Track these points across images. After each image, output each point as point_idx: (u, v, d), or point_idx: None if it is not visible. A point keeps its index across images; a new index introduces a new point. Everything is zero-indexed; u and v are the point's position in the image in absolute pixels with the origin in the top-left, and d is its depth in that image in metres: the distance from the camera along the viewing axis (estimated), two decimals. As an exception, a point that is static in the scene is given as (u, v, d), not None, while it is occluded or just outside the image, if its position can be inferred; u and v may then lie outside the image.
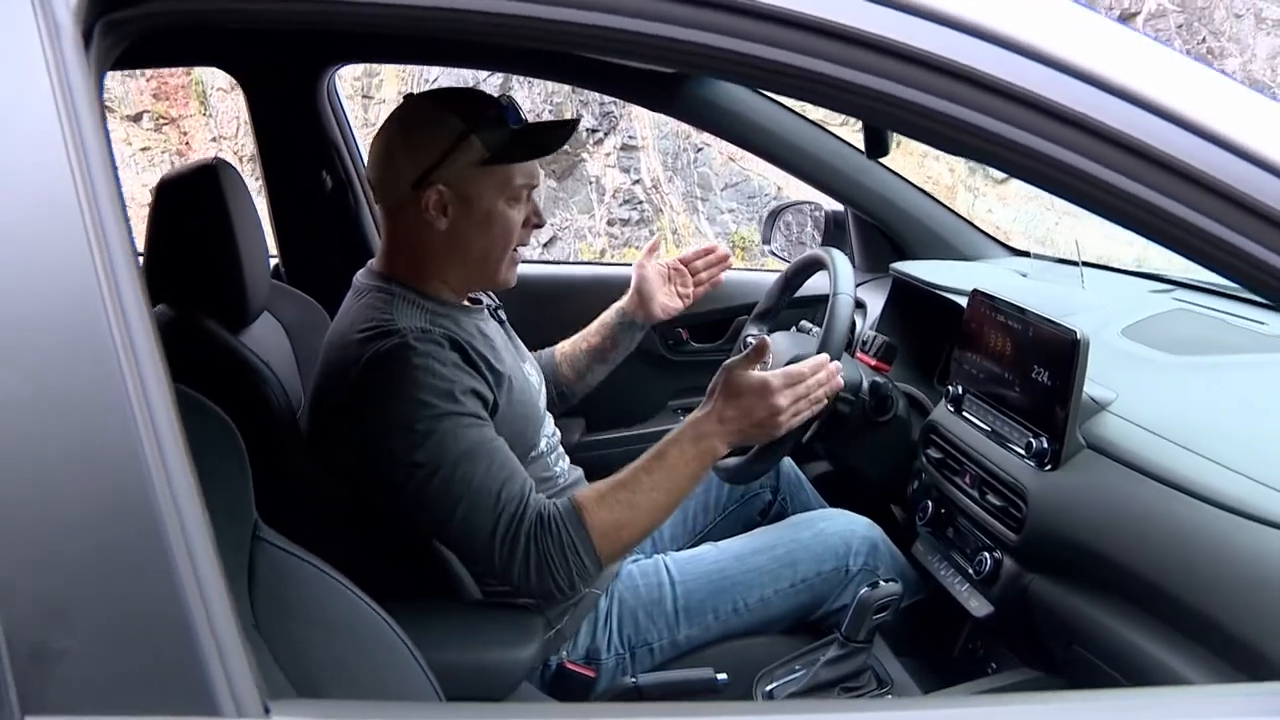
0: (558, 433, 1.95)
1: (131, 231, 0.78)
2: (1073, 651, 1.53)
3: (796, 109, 2.43)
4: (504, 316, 1.96)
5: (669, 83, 2.33)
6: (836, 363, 1.70)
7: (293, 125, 2.49)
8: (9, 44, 0.75)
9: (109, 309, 0.72)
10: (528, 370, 1.88)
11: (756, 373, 1.65)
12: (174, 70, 7.41)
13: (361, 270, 1.80)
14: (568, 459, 1.95)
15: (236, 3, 0.85)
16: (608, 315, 2.17)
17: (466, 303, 1.81)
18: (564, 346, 2.20)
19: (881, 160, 2.45)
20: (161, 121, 7.65)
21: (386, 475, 1.59)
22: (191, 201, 1.73)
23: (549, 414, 1.94)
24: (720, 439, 1.63)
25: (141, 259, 1.76)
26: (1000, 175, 7.67)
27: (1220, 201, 0.86)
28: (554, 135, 1.73)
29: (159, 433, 0.72)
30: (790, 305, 2.26)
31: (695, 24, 0.85)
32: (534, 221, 1.75)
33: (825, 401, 1.69)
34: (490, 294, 1.97)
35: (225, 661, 0.72)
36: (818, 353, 1.83)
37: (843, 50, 0.86)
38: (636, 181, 8.76)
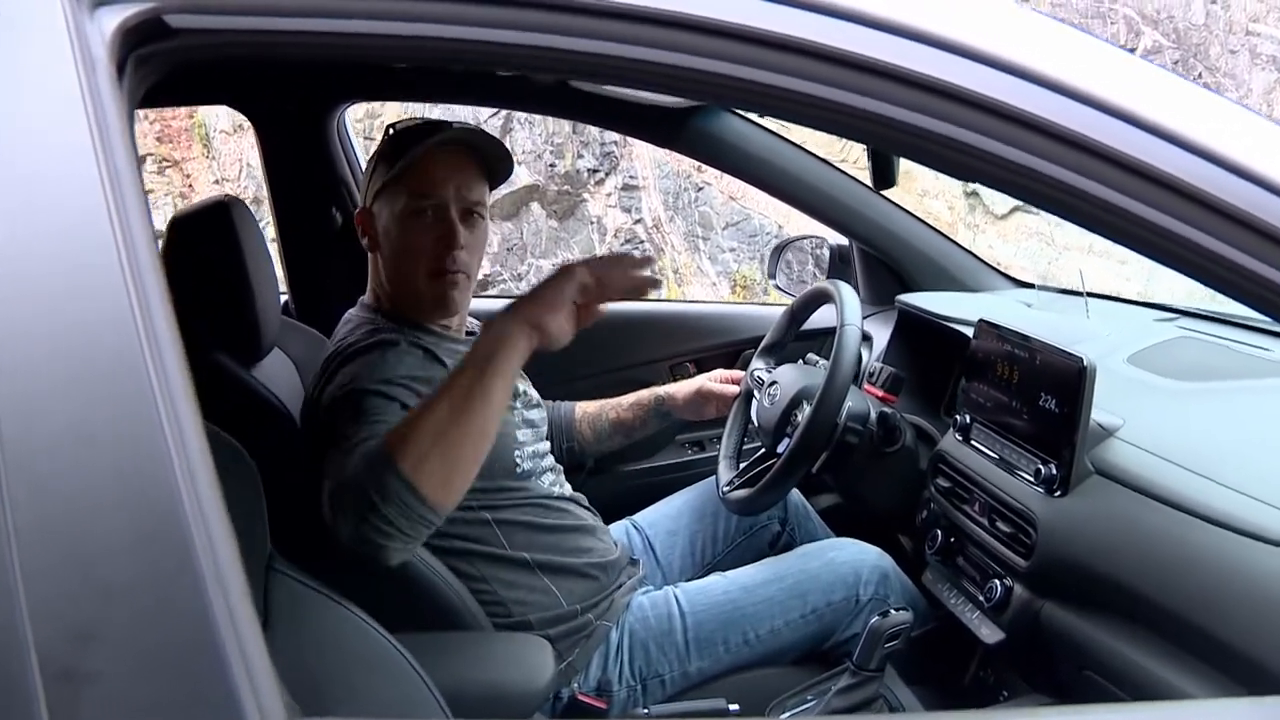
0: (548, 457, 1.97)
1: (154, 242, 0.80)
2: (1084, 676, 1.53)
3: (796, 140, 2.46)
4: None
5: (674, 118, 2.35)
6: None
7: (303, 162, 2.51)
8: (47, 77, 0.77)
9: (143, 340, 0.74)
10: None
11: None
12: (176, 113, 7.47)
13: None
14: (567, 485, 1.97)
15: (259, 36, 0.87)
16: (644, 396, 2.23)
17: (453, 332, 1.87)
18: (588, 407, 2.24)
19: (884, 194, 2.47)
20: (165, 164, 7.69)
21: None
22: (204, 238, 1.75)
23: (541, 439, 1.96)
24: (504, 322, 1.47)
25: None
26: (1000, 211, 7.71)
27: (1222, 220, 0.88)
28: (426, 150, 1.75)
29: (191, 462, 0.73)
30: (797, 339, 2.28)
31: (710, 54, 0.88)
32: (446, 242, 1.76)
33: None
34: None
35: (255, 685, 0.72)
36: (826, 385, 1.85)
37: (848, 76, 0.88)
38: (638, 221, 8.77)
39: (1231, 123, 0.92)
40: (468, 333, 1.93)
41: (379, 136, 1.83)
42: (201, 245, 1.76)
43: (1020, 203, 7.52)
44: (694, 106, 2.32)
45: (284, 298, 2.56)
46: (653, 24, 0.87)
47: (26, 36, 0.78)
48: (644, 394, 2.24)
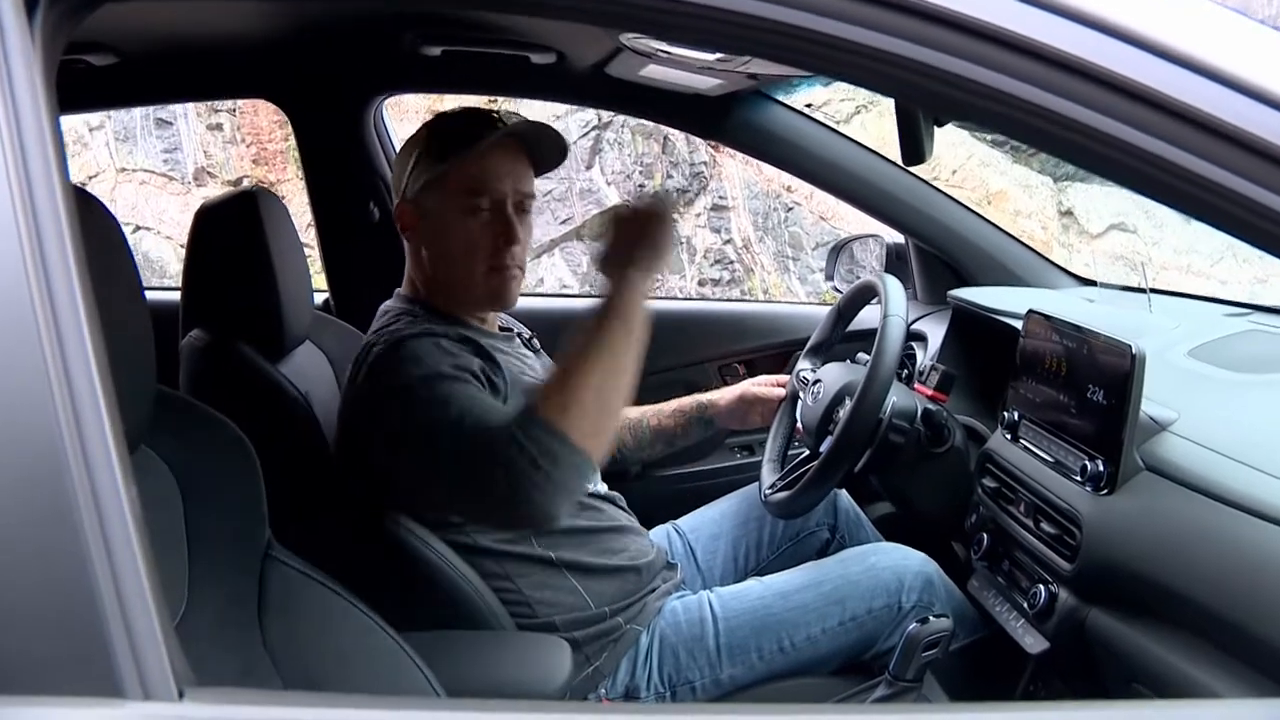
0: None
1: (72, 224, 0.74)
2: (1133, 689, 1.42)
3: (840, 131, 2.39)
4: (539, 346, 1.95)
5: (715, 106, 2.29)
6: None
7: (340, 157, 2.51)
8: None
9: (33, 287, 0.70)
10: None
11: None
12: (272, 135, 7.60)
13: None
14: (602, 484, 1.91)
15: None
16: (686, 404, 2.17)
17: (489, 326, 1.83)
18: (629, 412, 2.18)
19: (947, 193, 2.38)
20: (260, 186, 7.86)
21: (388, 458, 1.57)
22: (230, 228, 1.74)
23: None
24: (627, 273, 1.49)
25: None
26: (1095, 230, 7.49)
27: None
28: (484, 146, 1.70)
29: (79, 413, 0.70)
30: (847, 339, 2.19)
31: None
32: (505, 238, 1.71)
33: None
34: (520, 323, 2.00)
35: (135, 646, 0.69)
36: (868, 377, 1.76)
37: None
38: (727, 241, 8.72)
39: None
40: (501, 328, 1.88)
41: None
42: (226, 236, 1.75)
43: (1116, 221, 7.30)
44: (734, 93, 2.25)
45: (324, 296, 2.56)
46: None
47: None
48: (686, 401, 2.18)
